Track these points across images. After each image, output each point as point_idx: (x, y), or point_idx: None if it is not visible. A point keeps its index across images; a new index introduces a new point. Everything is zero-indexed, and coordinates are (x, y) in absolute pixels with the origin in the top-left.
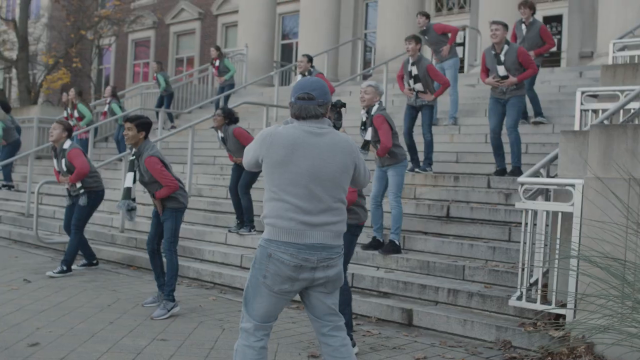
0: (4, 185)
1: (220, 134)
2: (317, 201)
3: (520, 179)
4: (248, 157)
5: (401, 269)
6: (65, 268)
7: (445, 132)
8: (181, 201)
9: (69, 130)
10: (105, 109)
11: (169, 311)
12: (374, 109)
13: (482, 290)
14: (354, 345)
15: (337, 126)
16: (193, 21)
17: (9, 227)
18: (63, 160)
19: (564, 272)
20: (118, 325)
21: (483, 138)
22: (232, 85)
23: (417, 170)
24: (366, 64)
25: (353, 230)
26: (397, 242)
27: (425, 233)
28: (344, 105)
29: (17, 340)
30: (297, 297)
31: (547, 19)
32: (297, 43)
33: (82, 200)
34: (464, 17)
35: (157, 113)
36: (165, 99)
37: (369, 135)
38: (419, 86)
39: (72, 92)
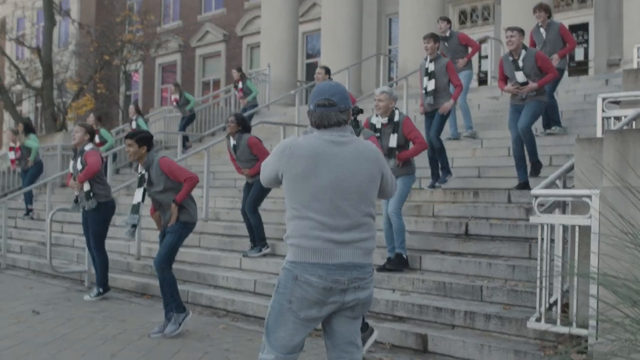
0: (27, 214)
1: (233, 142)
2: (343, 217)
3: (534, 191)
4: (266, 173)
5: (417, 291)
6: (101, 290)
7: (467, 146)
8: (192, 214)
9: (91, 134)
10: (134, 125)
11: (180, 325)
12: (396, 115)
13: (500, 312)
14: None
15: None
16: (218, 43)
17: (29, 257)
18: (79, 159)
19: (585, 290)
20: (120, 358)
21: (506, 151)
22: (254, 107)
23: (437, 185)
24: (390, 79)
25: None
26: (404, 256)
27: (443, 252)
28: (360, 111)
29: None
30: None
31: (573, 28)
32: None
33: (92, 203)
34: (488, 29)
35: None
36: (186, 120)
37: (394, 142)
38: (432, 84)
39: (91, 117)
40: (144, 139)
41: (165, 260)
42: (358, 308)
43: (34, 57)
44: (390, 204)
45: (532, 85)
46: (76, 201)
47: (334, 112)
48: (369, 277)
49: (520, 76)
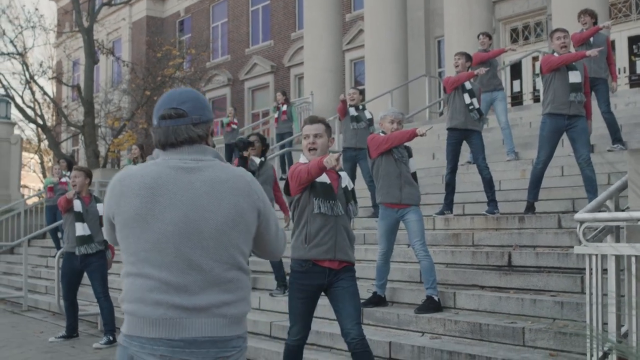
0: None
1: (258, 161)
2: (196, 272)
3: (579, 215)
4: (103, 222)
5: (449, 334)
6: (111, 338)
7: (515, 167)
8: None
9: (90, 177)
10: None
11: None
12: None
13: None
14: None
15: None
16: (266, 75)
17: (51, 299)
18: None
19: None
20: None
21: (558, 171)
22: (290, 134)
23: (446, 212)
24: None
25: None
26: (436, 298)
27: (482, 287)
28: (250, 144)
29: None
30: None
31: (633, 39)
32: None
33: (94, 247)
34: (541, 46)
35: None
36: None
37: (414, 167)
38: (475, 102)
39: (135, 148)
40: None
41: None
42: None
43: (76, 95)
44: (413, 240)
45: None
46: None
47: (184, 125)
48: (237, 353)
49: (575, 76)
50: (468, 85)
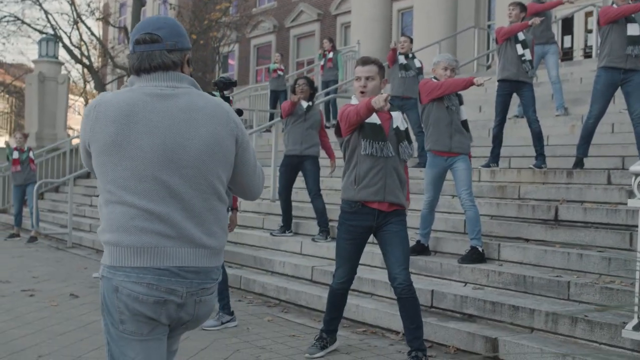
0: None
1: (305, 105)
2: (176, 201)
3: (634, 167)
4: (80, 149)
5: (492, 285)
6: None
7: (564, 123)
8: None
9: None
10: None
11: (222, 323)
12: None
13: (590, 315)
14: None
15: None
16: (312, 23)
17: (94, 236)
18: None
19: None
20: None
21: (609, 128)
22: (336, 81)
23: (492, 165)
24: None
25: None
26: (480, 249)
27: (527, 240)
28: (233, 83)
29: None
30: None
31: None
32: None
33: None
34: (595, 0)
35: (272, 115)
36: (282, 96)
37: (464, 114)
38: (527, 53)
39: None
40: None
41: None
42: (191, 325)
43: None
44: (460, 189)
45: None
46: None
47: (158, 50)
48: (214, 284)
49: (634, 28)
50: (521, 35)
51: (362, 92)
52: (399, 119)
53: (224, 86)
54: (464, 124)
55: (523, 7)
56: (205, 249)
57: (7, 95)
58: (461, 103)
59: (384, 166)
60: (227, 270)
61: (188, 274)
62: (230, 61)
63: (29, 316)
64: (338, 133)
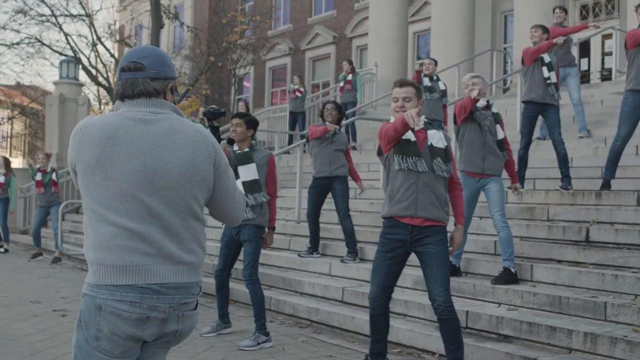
0: None
1: (336, 129)
2: (156, 220)
3: None
4: (68, 165)
5: (527, 306)
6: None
7: (587, 145)
8: (267, 218)
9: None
10: None
11: (259, 344)
12: (493, 105)
13: (629, 335)
14: None
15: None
16: (328, 45)
17: None
18: None
19: None
20: None
21: (633, 150)
22: (354, 103)
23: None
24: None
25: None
26: (513, 270)
27: (559, 261)
28: (222, 114)
29: None
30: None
31: None
32: None
33: None
34: (613, 23)
35: (291, 136)
36: (300, 118)
37: (501, 134)
38: (553, 76)
39: (201, 111)
40: (252, 122)
41: (256, 271)
42: (175, 340)
43: None
44: (493, 210)
45: None
46: None
47: (141, 78)
48: (195, 299)
49: None
50: (547, 58)
51: (398, 112)
52: (435, 137)
53: (213, 116)
54: (500, 143)
55: (545, 29)
56: (185, 265)
57: (23, 117)
58: (497, 122)
59: (415, 181)
60: None
61: (169, 290)
62: (245, 83)
63: (64, 336)
64: (379, 152)
